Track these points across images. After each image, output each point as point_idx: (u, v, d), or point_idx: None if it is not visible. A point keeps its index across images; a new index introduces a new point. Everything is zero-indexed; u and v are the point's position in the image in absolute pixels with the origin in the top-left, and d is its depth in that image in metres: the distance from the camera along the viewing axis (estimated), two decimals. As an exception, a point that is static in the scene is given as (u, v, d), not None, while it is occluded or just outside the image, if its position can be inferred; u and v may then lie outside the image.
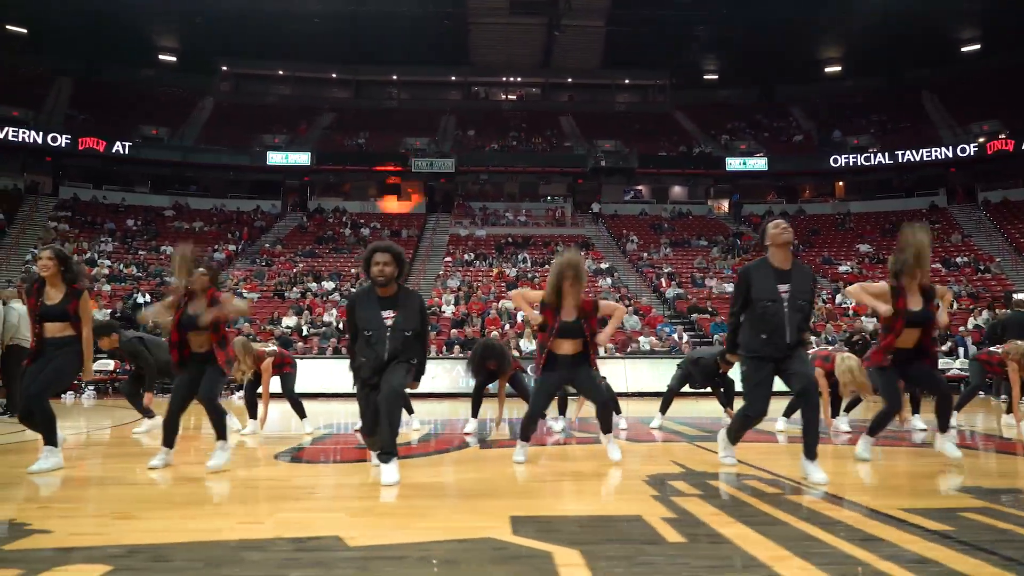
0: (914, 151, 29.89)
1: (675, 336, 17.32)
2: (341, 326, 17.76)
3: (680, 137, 35.90)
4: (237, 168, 31.38)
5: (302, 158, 30.82)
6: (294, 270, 23.22)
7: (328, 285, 21.53)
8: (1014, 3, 29.96)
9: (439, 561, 2.22)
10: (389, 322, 3.91)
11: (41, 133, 27.67)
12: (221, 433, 4.35)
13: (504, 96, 41.46)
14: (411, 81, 40.12)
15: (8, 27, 32.73)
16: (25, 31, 33.15)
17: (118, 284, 20.73)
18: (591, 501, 3.28)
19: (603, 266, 24.54)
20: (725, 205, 33.63)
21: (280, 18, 33.58)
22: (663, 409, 7.15)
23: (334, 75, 39.47)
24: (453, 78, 40.60)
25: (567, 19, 35.86)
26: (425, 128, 35.26)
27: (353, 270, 23.69)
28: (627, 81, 41.07)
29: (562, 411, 7.25)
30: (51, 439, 4.18)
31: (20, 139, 27.13)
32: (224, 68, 37.60)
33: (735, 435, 4.28)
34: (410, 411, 6.96)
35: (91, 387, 14.10)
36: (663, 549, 2.36)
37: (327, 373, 14.07)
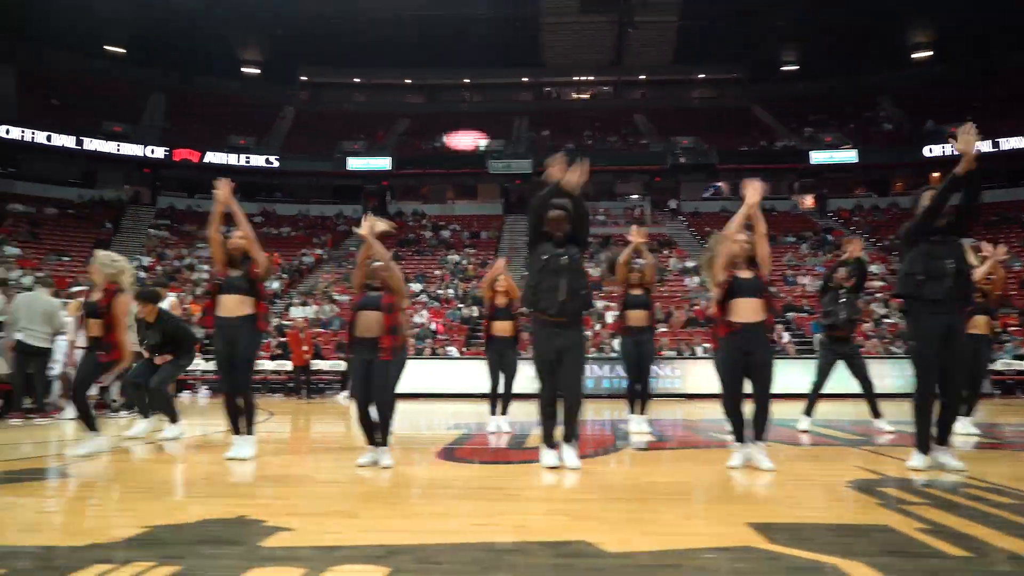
0: (1021, 138, 28.15)
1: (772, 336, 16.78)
2: (434, 327, 17.99)
3: (759, 131, 34.92)
4: (320, 174, 32.25)
5: (383, 163, 31.43)
6: (380, 273, 23.65)
7: (415, 287, 21.83)
8: None
9: (708, 570, 2.14)
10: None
11: (140, 146, 29.11)
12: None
13: (576, 95, 41.29)
14: (483, 84, 40.45)
15: (108, 47, 34.65)
16: (124, 50, 35.03)
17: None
18: (819, 508, 3.13)
19: (688, 265, 24.05)
20: (809, 200, 32.52)
21: (356, 27, 34.42)
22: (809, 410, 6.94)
23: (408, 81, 40.18)
24: (525, 79, 40.73)
25: (639, 15, 35.47)
26: (498, 130, 35.40)
27: (437, 272, 23.98)
28: (701, 76, 40.33)
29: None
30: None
31: (122, 152, 28.62)
32: (303, 78, 38.77)
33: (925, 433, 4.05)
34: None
35: (206, 386, 14.70)
36: (956, 564, 2.20)
37: (425, 374, 14.21)
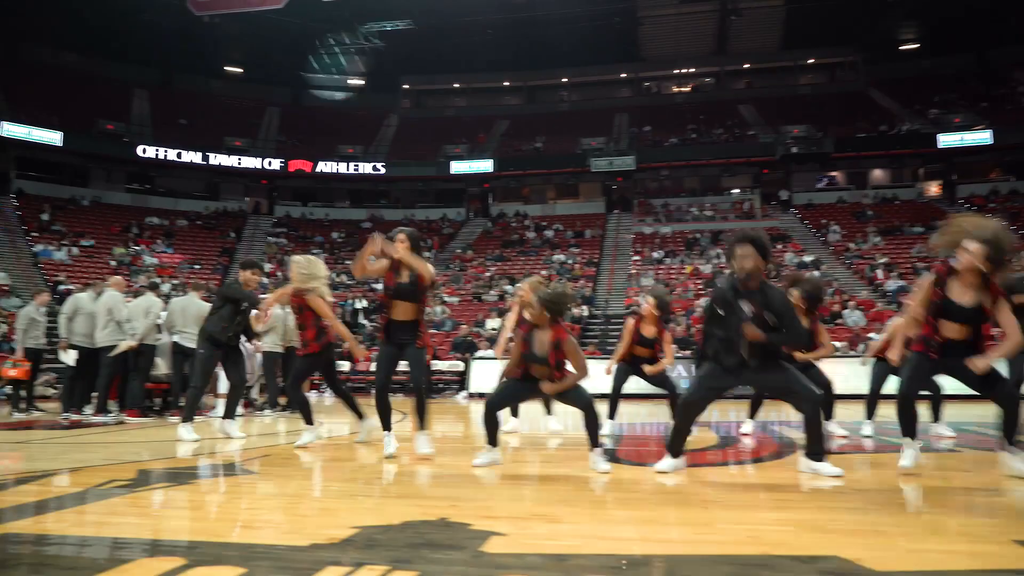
0: None
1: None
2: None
3: (878, 116, 32.80)
4: (424, 179, 32.94)
5: (485, 165, 31.75)
6: (486, 274, 23.86)
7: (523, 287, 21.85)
8: None
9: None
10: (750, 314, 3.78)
11: (258, 159, 30.71)
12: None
13: (677, 89, 40.26)
14: (582, 82, 40.17)
15: (227, 68, 36.84)
16: (241, 70, 37.14)
17: (334, 291, 22.37)
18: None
19: (806, 259, 22.89)
20: (936, 187, 30.26)
21: (454, 33, 34.99)
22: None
23: (506, 83, 40.44)
24: (624, 75, 40.12)
25: (741, 2, 34.20)
26: (598, 128, 34.98)
27: (544, 272, 23.91)
28: (811, 61, 38.42)
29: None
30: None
31: (242, 165, 30.29)
32: (406, 86, 39.77)
33: None
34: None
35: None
36: None
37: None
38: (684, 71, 40.07)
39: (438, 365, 15.24)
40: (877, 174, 32.17)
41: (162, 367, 8.87)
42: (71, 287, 17.44)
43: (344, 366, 15.59)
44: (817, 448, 3.93)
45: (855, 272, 22.20)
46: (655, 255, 24.70)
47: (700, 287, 20.97)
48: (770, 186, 31.84)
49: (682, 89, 40.21)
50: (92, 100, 29.69)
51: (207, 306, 8.76)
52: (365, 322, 19.26)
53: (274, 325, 9.41)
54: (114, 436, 6.45)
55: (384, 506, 3.22)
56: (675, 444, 4.08)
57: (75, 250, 22.31)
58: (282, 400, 9.62)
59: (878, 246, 23.88)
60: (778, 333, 3.80)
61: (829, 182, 32.14)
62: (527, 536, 2.58)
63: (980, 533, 2.53)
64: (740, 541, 2.50)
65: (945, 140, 28.57)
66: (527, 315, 4.43)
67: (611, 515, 3.01)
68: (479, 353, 15.11)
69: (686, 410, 4.07)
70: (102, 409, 8.25)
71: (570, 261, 24.63)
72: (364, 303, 20.02)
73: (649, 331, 6.18)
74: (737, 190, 32.56)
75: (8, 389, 9.67)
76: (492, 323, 18.37)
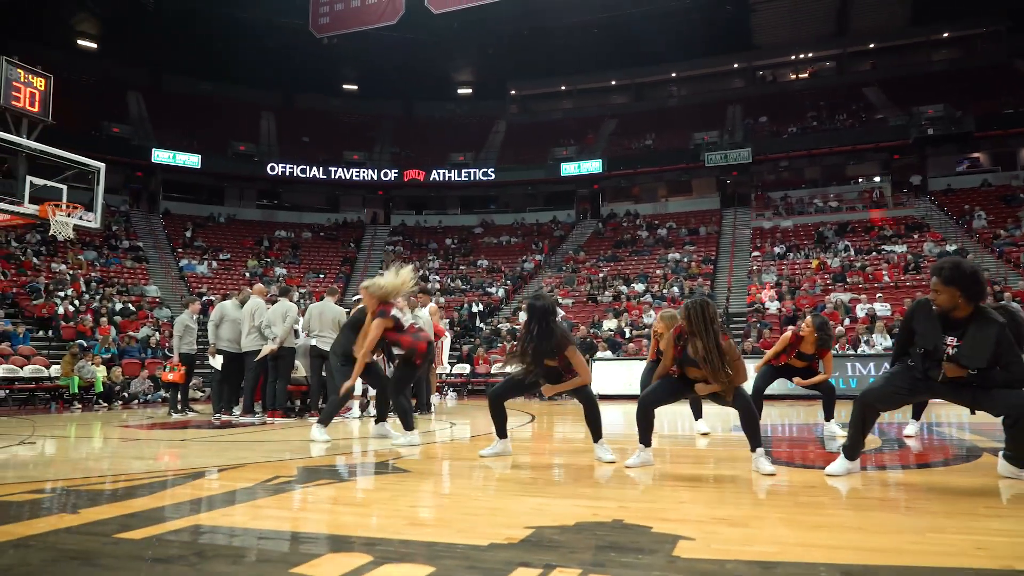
0: None
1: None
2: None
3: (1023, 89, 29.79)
4: (534, 182, 33.07)
5: (594, 166, 31.47)
6: (600, 275, 23.59)
7: (639, 287, 21.43)
8: None
9: None
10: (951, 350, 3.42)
11: (374, 170, 31.92)
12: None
13: (794, 76, 38.32)
14: (690, 76, 39.08)
15: (344, 86, 38.61)
16: (356, 87, 38.81)
17: (450, 296, 22.85)
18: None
19: (949, 248, 21.06)
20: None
21: (559, 36, 34.93)
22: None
23: (613, 82, 39.96)
24: (735, 65, 38.64)
25: (867, -23, 32.09)
26: (710, 121, 33.88)
27: (658, 271, 23.37)
28: (946, 35, 35.46)
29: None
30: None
31: (360, 177, 31.58)
32: (512, 92, 40.11)
33: None
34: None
35: (451, 390, 15.48)
36: None
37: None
38: (801, 56, 38.08)
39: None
40: (1028, 153, 29.22)
41: (301, 370, 9.28)
42: (212, 298, 18.73)
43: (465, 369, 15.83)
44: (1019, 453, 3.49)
45: (1007, 260, 20.20)
46: (776, 250, 23.54)
47: (828, 281, 19.78)
48: (902, 172, 29.64)
49: (800, 76, 38.23)
50: (225, 123, 31.94)
51: (342, 310, 9.11)
52: (482, 325, 19.49)
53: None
54: (263, 435, 6.77)
55: (549, 506, 3.12)
56: (854, 446, 3.74)
57: (214, 264, 24.03)
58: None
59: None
60: (990, 371, 3.37)
61: (971, 164, 29.51)
62: (718, 541, 2.41)
63: None
64: (966, 552, 2.21)
65: (1113, 111, 25.54)
66: (662, 346, 4.33)
67: (801, 519, 2.77)
68: (599, 354, 14.88)
69: (864, 410, 3.72)
70: (249, 410, 8.73)
71: (685, 259, 23.92)
72: (480, 307, 20.29)
73: (808, 350, 6.08)
74: (864, 179, 30.56)
75: (166, 392, 10.43)
76: (608, 324, 18.09)
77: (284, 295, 9.47)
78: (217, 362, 8.96)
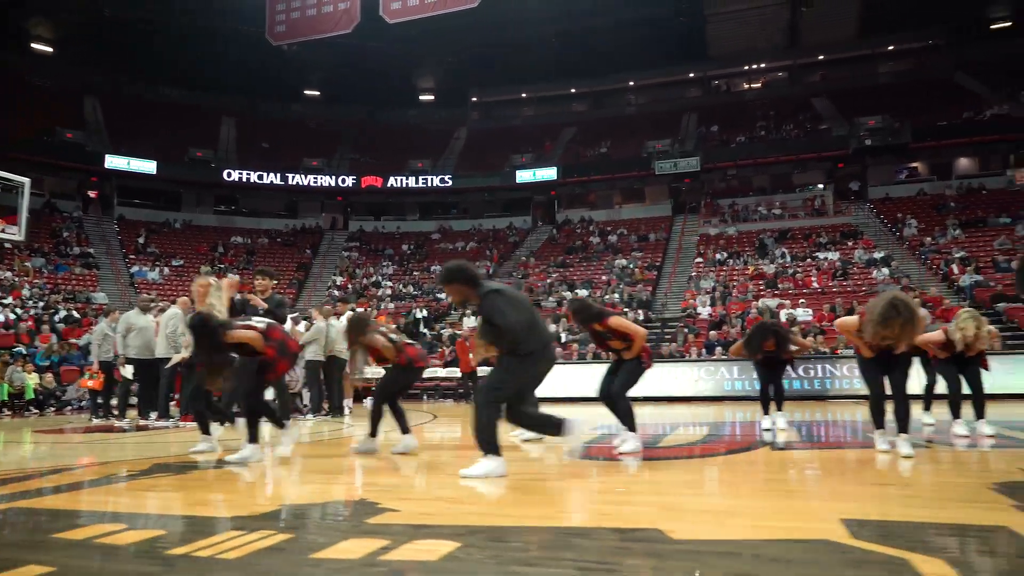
0: None
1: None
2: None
3: (964, 101, 31.00)
4: (490, 189, 33.65)
5: (549, 173, 32.14)
6: (548, 280, 24.22)
7: (582, 292, 22.07)
8: None
9: (772, 559, 2.10)
10: None
11: (333, 177, 32.29)
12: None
13: (747, 86, 39.36)
14: (648, 85, 39.95)
15: (305, 92, 38.93)
16: (318, 93, 39.16)
17: (399, 302, 23.33)
18: (933, 507, 2.88)
19: (876, 255, 22.01)
20: (1030, 174, 28.31)
21: (520, 45, 35.67)
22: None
23: (573, 91, 40.69)
24: (691, 75, 39.59)
25: (815, -8, 33.18)
26: (666, 130, 34.73)
27: (604, 277, 24.05)
28: (891, 48, 36.69)
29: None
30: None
31: (319, 184, 31.94)
32: (474, 99, 40.70)
33: None
34: None
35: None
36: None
37: (586, 378, 14.32)
38: (754, 67, 39.14)
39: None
40: (963, 163, 30.43)
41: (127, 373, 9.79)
42: (162, 304, 19.02)
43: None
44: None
45: (929, 268, 21.16)
46: (718, 256, 24.34)
47: (761, 287, 20.57)
48: (846, 181, 30.69)
49: (752, 86, 39.28)
50: (184, 129, 32.11)
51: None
52: (426, 331, 20.00)
53: (316, 336, 10.15)
54: (160, 437, 7.25)
55: (327, 491, 3.68)
56: None
57: (166, 270, 24.27)
58: (325, 405, 10.32)
59: (957, 239, 22.64)
60: None
61: (910, 174, 30.65)
62: (416, 512, 2.97)
63: (817, 513, 2.72)
64: (582, 518, 2.79)
65: (1037, 124, 26.74)
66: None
67: (512, 497, 3.35)
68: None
69: None
70: (164, 415, 9.17)
71: (631, 265, 24.63)
72: (425, 312, 20.80)
73: None
74: (810, 187, 31.56)
75: (87, 398, 10.83)
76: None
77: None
78: (128, 371, 9.40)
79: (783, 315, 17.45)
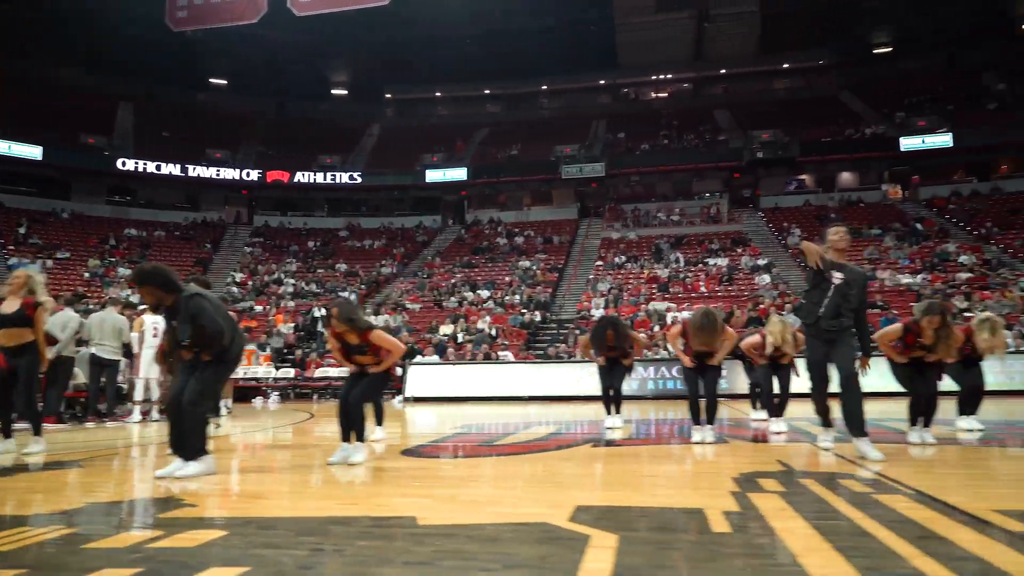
0: None
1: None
2: (494, 332, 18.53)
3: (848, 119, 33.33)
4: (399, 187, 33.64)
5: (459, 173, 32.43)
6: (452, 280, 24.50)
7: (484, 293, 22.48)
8: None
9: (484, 539, 2.46)
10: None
11: (237, 170, 31.48)
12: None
13: (654, 95, 40.88)
14: (561, 89, 40.88)
15: (212, 80, 37.69)
16: (225, 82, 37.97)
17: (301, 300, 23.07)
18: (666, 495, 3.35)
19: (760, 262, 23.42)
20: (900, 189, 30.75)
21: (435, 44, 35.73)
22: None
23: (487, 91, 41.13)
24: (602, 82, 40.77)
25: (717, 8, 34.76)
26: (576, 134, 35.67)
27: (507, 278, 24.53)
28: (786, 66, 38.93)
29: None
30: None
31: (221, 176, 31.07)
32: (388, 96, 40.54)
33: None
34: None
35: (275, 393, 15.87)
36: (701, 538, 2.42)
37: (478, 378, 14.72)
38: (662, 77, 40.69)
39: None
40: (845, 177, 32.70)
41: (80, 376, 9.52)
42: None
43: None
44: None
45: (806, 274, 22.70)
46: (617, 260, 25.26)
47: (654, 291, 21.52)
48: (740, 190, 32.44)
49: (660, 95, 40.83)
50: (77, 114, 30.53)
51: (124, 319, 9.44)
52: (323, 330, 19.88)
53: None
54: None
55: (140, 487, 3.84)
56: None
57: (49, 263, 23.07)
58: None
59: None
60: None
61: (798, 186, 32.66)
62: (217, 508, 3.20)
63: (557, 500, 3.13)
64: (359, 508, 3.10)
65: (907, 143, 29.12)
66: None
67: (308, 494, 3.62)
68: (419, 359, 15.69)
69: None
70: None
71: (534, 267, 25.23)
72: (324, 311, 20.65)
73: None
74: (708, 195, 33.12)
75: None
76: (445, 329, 18.98)
77: (70, 304, 9.64)
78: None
79: (669, 318, 18.37)
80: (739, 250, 25.36)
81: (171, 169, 30.04)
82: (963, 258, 21.63)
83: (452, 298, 22.32)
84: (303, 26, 32.37)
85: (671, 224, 29.41)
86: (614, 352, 7.23)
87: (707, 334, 5.49)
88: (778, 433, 6.30)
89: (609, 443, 5.87)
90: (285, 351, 18.58)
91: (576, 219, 31.79)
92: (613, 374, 7.28)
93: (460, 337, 18.35)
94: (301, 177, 31.96)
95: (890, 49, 37.02)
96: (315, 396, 16.20)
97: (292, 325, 20.54)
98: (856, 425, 4.49)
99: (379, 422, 6.44)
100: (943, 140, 28.58)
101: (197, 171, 30.54)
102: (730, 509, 2.86)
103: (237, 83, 37.91)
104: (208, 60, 36.05)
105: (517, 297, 21.87)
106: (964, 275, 20.12)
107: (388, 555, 2.28)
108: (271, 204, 33.84)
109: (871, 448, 4.42)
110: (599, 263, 25.62)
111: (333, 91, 40.87)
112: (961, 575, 1.94)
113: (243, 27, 30.77)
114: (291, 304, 22.62)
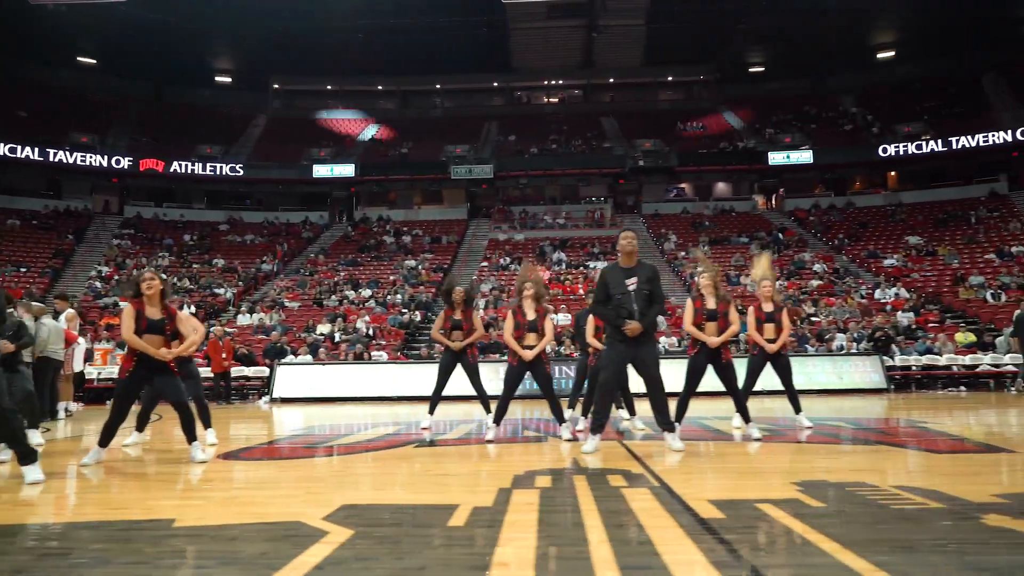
0: (970, 136, 28.55)
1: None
2: (371, 332, 18.42)
3: (724, 133, 35.36)
4: (285, 182, 32.71)
5: (347, 170, 31.88)
6: (335, 278, 24.10)
7: (366, 292, 22.26)
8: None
9: (224, 538, 2.56)
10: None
11: (107, 156, 29.57)
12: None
13: (546, 99, 41.74)
14: (455, 89, 40.94)
15: (80, 59, 35.14)
16: (95, 61, 35.51)
17: (171, 297, 21.97)
18: (436, 493, 3.55)
19: (638, 266, 24.42)
20: (767, 200, 33.02)
21: (326, 35, 34.85)
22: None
23: (380, 87, 40.63)
24: (496, 84, 41.17)
25: (605, 19, 35.86)
26: (468, 135, 35.90)
27: (391, 277, 24.40)
28: (670, 78, 40.71)
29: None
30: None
31: (88, 163, 29.10)
32: (276, 86, 39.24)
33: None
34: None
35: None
36: (440, 531, 2.62)
37: (350, 379, 14.60)
38: (554, 83, 41.57)
39: (246, 372, 15.42)
40: (721, 187, 34.68)
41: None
42: None
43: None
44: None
45: (680, 278, 23.96)
46: (502, 261, 25.67)
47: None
48: (626, 196, 33.72)
49: (551, 100, 41.73)
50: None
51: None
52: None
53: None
54: None
55: None
56: None
57: None
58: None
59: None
60: None
61: (678, 194, 34.31)
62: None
63: (326, 501, 3.27)
64: (132, 512, 3.13)
65: (774, 158, 31.20)
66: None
67: (94, 497, 3.58)
68: (288, 359, 15.40)
69: None
70: None
71: (419, 267, 25.22)
72: (193, 309, 19.81)
73: None
74: (594, 199, 34.20)
75: None
76: (322, 328, 18.68)
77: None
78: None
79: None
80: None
81: (29, 152, 27.83)
82: (817, 266, 23.46)
83: (333, 297, 21.97)
84: (179, 8, 30.93)
85: (557, 227, 30.18)
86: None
87: None
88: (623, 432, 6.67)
89: (432, 443, 6.06)
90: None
91: (466, 219, 32.03)
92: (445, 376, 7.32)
93: (337, 336, 18.12)
94: (178, 167, 30.41)
95: (762, 69, 39.49)
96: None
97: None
98: (663, 421, 4.94)
99: (206, 423, 6.20)
100: (805, 157, 30.86)
101: (60, 156, 28.45)
102: (483, 505, 3.09)
103: (109, 64, 35.47)
104: (75, 37, 33.55)
105: (399, 297, 21.80)
106: (815, 282, 21.85)
107: (112, 556, 2.33)
108: (145, 194, 32.05)
109: (676, 440, 4.87)
110: (484, 264, 25.95)
111: (217, 78, 39.09)
112: (624, 543, 2.23)
113: (115, 5, 29.05)
114: (159, 300, 21.49)
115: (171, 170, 30.35)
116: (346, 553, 2.30)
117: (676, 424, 5.26)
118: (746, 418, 5.85)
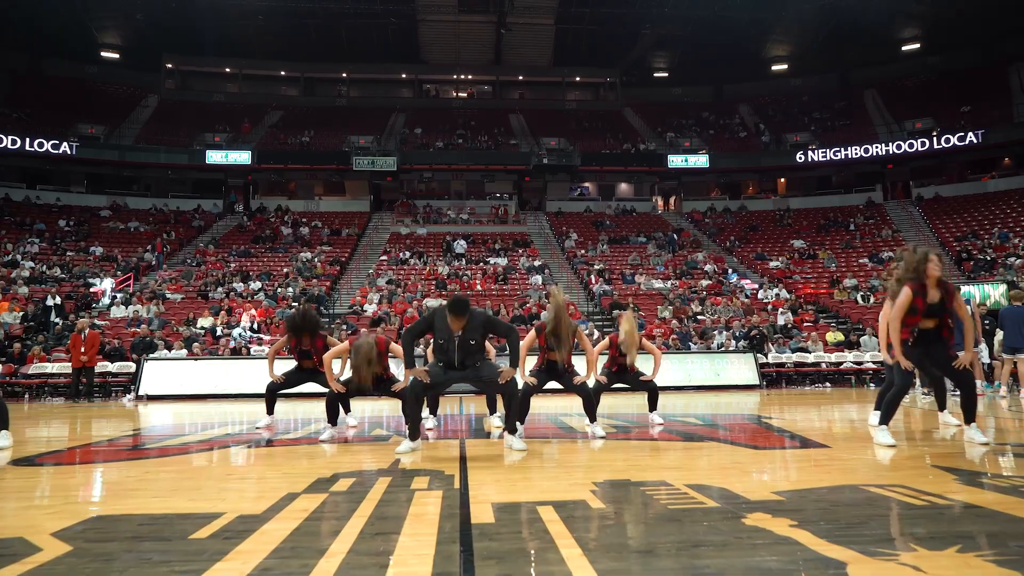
0: (852, 148, 30.35)
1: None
2: (256, 326, 17.68)
3: (628, 135, 36.14)
4: (175, 167, 31.04)
5: (242, 157, 30.54)
6: (224, 270, 23.03)
7: (255, 285, 21.38)
8: (954, 5, 30.80)
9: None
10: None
11: (-32, 132, 27.16)
12: None
13: (455, 94, 41.45)
14: (361, 79, 40.02)
15: (-62, 23, 32.08)
16: (-43, 27, 32.50)
17: (37, 286, 20.41)
18: (212, 500, 3.32)
19: (536, 263, 24.63)
20: (668, 201, 34.05)
21: (225, 14, 33.26)
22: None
23: (283, 72, 39.22)
24: (404, 76, 40.53)
25: (513, 17, 35.93)
26: (373, 126, 35.17)
27: (285, 269, 23.54)
28: (578, 79, 41.22)
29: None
30: None
31: (-56, 138, 26.63)
32: (169, 65, 37.18)
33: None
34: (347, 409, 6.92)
35: None
36: (173, 545, 2.41)
37: (226, 374, 13.93)
38: (463, 77, 41.34)
39: (110, 367, 14.46)
40: (623, 188, 35.47)
41: None
42: None
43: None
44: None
45: (577, 276, 24.29)
46: (402, 255, 25.26)
47: (432, 288, 21.78)
48: (531, 193, 33.91)
49: (460, 95, 41.46)
50: None
51: None
52: (58, 320, 17.75)
53: None
54: None
55: None
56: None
57: None
58: None
59: (604, 253, 26.30)
60: None
61: (581, 193, 34.83)
62: None
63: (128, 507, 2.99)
64: None
65: (673, 161, 32.12)
66: None
67: None
68: (157, 354, 14.53)
69: None
70: None
71: (315, 259, 24.47)
72: (59, 300, 18.44)
73: None
74: (500, 196, 34.24)
75: None
76: (204, 321, 17.78)
77: None
78: None
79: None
80: (520, 251, 26.47)
81: None
82: (708, 267, 24.31)
83: (220, 289, 20.97)
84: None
85: (461, 222, 30.00)
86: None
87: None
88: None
89: (269, 443, 5.78)
90: (5, 343, 16.30)
91: (369, 212, 31.36)
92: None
93: (219, 330, 17.28)
94: (51, 148, 28.22)
95: (666, 75, 40.64)
96: (26, 395, 14.34)
97: (20, 314, 18.09)
98: (507, 423, 5.11)
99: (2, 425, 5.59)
100: (701, 161, 31.95)
101: (-90, 130, 25.89)
102: (250, 513, 2.88)
103: (-22, 31, 32.63)
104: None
105: (291, 290, 21.05)
106: (704, 282, 22.61)
107: None
108: (16, 175, 29.60)
109: (518, 441, 4.90)
110: (383, 258, 25.46)
111: (104, 53, 36.60)
112: (361, 555, 2.09)
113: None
114: (23, 291, 19.89)
115: (44, 150, 28.15)
116: (35, 574, 2.06)
117: (519, 425, 5.25)
118: (592, 418, 5.91)
